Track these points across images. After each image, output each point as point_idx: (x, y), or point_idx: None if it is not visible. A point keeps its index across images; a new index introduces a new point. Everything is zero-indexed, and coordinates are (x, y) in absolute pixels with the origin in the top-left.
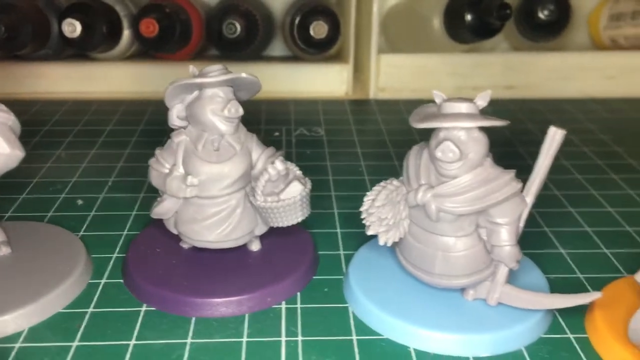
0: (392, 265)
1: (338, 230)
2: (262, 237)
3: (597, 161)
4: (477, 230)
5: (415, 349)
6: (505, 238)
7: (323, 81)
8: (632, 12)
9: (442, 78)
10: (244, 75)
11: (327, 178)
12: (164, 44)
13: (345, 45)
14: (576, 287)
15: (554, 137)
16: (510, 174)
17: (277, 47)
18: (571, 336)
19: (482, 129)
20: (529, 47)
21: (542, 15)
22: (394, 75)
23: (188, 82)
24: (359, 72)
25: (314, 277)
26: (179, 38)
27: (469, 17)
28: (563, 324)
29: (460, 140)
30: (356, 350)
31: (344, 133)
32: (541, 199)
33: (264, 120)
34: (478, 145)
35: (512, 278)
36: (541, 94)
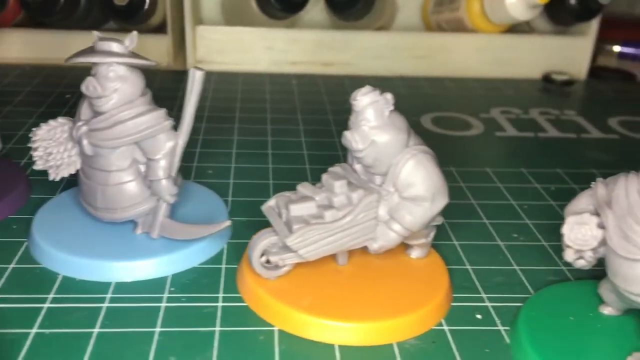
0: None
1: None
2: None
3: None
4: (135, 166)
5: (64, 276)
6: (160, 173)
7: (144, 52)
8: None
9: (260, 52)
10: None
11: None
12: None
13: (167, 18)
14: None
15: (194, 77)
16: (161, 111)
17: None
18: (223, 267)
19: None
20: (348, 26)
21: None
22: (211, 47)
23: None
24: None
25: (10, 216)
26: None
27: None
28: (225, 258)
29: (107, 77)
30: (6, 275)
31: None
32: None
33: (65, 84)
34: (125, 82)
35: (197, 208)
36: (356, 71)
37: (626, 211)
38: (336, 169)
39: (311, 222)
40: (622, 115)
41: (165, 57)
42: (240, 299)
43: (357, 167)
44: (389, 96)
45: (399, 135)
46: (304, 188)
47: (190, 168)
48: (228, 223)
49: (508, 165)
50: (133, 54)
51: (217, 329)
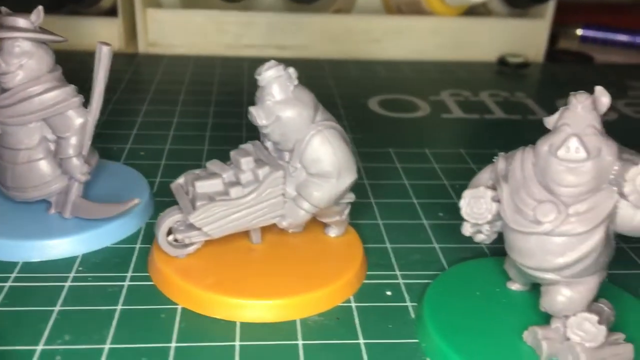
0: None
1: None
2: None
3: None
4: (44, 144)
5: None
6: (70, 151)
7: (95, 36)
8: None
9: (212, 34)
10: None
11: None
12: None
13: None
14: None
15: (101, 52)
16: (69, 87)
17: None
18: (137, 246)
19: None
20: (303, 9)
21: None
22: (163, 31)
23: None
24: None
25: None
26: None
27: None
28: (141, 237)
29: (12, 53)
30: None
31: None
32: None
33: None
34: (31, 58)
35: (118, 188)
36: (311, 55)
37: (520, 184)
38: (247, 145)
39: (216, 199)
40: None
41: (117, 40)
42: (148, 278)
43: (268, 144)
44: (291, 70)
45: (304, 111)
46: (212, 165)
47: (122, 150)
48: (136, 201)
49: (447, 146)
50: (41, 29)
51: (119, 307)
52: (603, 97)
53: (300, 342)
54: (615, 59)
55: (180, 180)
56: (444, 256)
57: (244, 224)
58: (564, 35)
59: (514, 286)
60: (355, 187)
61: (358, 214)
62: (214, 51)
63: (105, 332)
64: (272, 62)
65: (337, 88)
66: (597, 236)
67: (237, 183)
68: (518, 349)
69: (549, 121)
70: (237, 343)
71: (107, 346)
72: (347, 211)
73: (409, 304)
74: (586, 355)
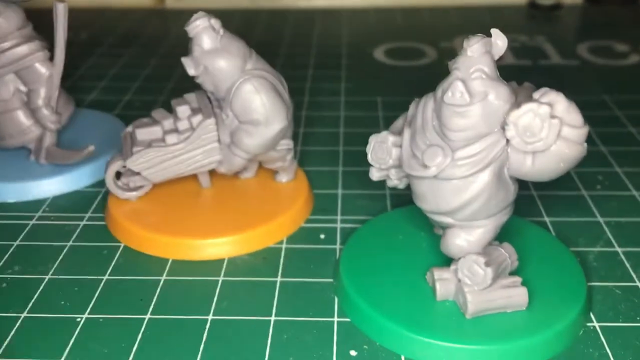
0: None
1: None
2: None
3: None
4: (18, 95)
5: None
6: (39, 101)
7: None
8: None
9: None
10: None
11: None
12: None
13: None
14: None
15: (57, 10)
16: (35, 42)
17: None
18: (104, 190)
19: None
20: None
21: None
22: None
23: None
24: None
25: None
26: None
27: None
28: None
29: None
30: None
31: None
32: None
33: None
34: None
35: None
36: (333, 4)
37: (419, 129)
38: (190, 95)
39: (152, 145)
40: (597, 40)
41: None
42: (103, 219)
43: (210, 93)
44: (213, 21)
45: (231, 60)
46: (157, 114)
47: (119, 101)
48: (91, 149)
49: None
50: None
51: (69, 243)
52: (499, 40)
53: (220, 279)
54: None
55: (129, 128)
56: (391, 202)
57: (182, 169)
58: None
59: (441, 231)
60: (326, 136)
61: (322, 161)
62: (235, 3)
63: (51, 265)
64: (200, 13)
65: (348, 37)
66: (484, 179)
67: (175, 130)
68: (419, 291)
69: (450, 65)
70: (163, 278)
71: (47, 277)
72: (289, 157)
73: (337, 246)
74: (472, 296)
